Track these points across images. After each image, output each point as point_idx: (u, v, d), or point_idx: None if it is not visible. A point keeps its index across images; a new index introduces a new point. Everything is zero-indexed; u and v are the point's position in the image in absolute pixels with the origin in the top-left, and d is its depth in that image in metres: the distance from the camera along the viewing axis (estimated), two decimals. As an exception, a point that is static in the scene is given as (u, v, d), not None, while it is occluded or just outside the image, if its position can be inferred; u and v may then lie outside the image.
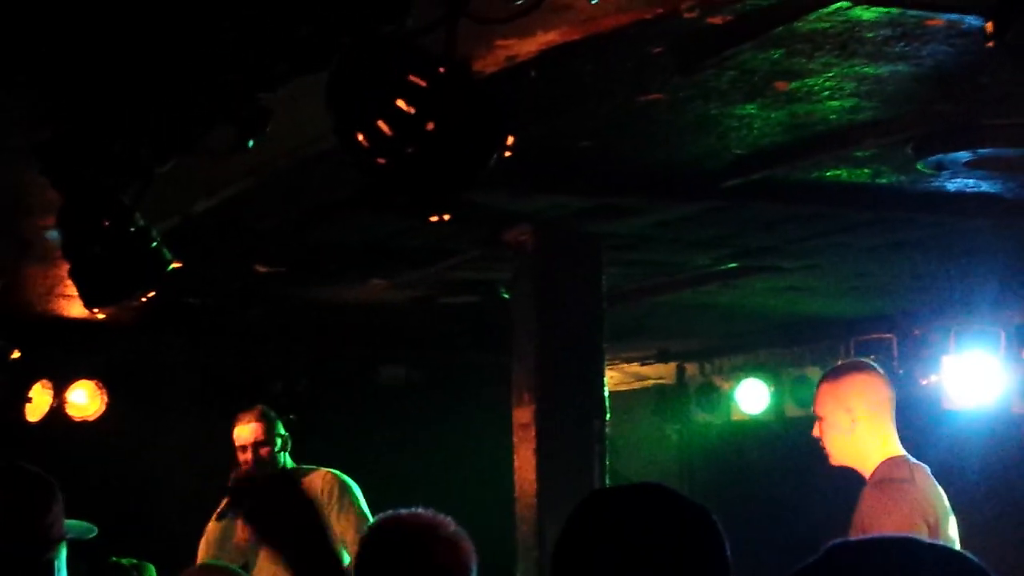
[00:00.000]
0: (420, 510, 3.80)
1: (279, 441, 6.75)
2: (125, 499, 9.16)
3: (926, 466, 5.02)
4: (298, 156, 4.95)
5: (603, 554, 2.38)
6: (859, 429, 4.96)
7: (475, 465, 9.01)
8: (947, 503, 4.98)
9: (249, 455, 6.71)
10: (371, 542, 3.72)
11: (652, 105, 4.87)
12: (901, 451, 5.02)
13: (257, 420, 6.76)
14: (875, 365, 5.28)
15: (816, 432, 5.11)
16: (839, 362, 5.49)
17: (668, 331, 10.23)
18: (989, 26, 2.75)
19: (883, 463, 4.97)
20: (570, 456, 6.61)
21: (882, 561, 1.82)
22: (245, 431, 6.74)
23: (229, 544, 6.62)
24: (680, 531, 2.40)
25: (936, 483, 4.97)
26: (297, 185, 5.47)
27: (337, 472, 6.75)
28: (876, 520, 4.80)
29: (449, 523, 3.71)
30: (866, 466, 5.00)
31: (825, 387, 5.09)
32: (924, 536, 4.27)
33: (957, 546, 4.92)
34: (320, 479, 6.67)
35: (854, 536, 4.84)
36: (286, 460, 6.79)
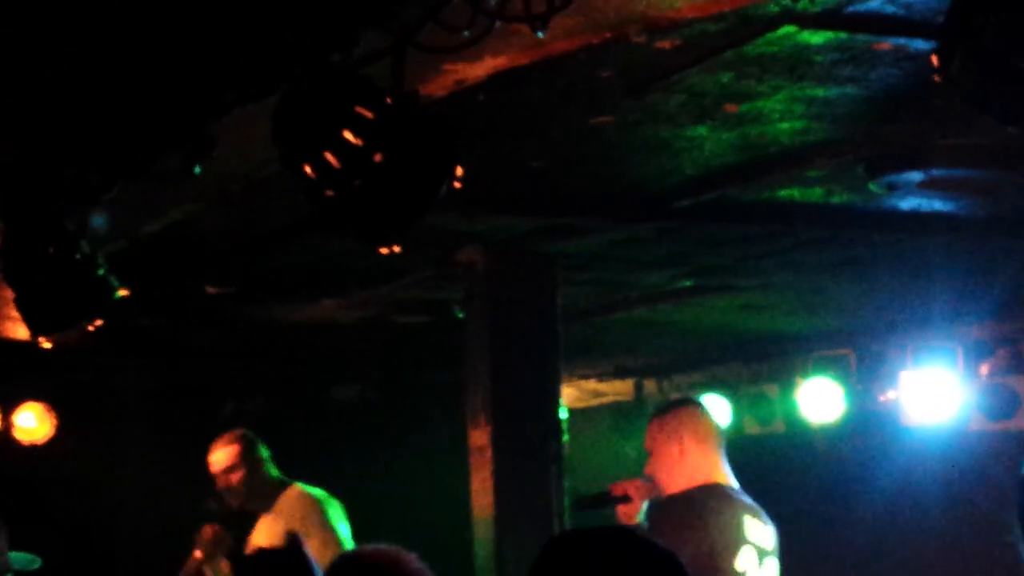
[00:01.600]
0: (383, 545, 3.77)
1: (253, 464, 6.68)
2: (76, 524, 9.08)
3: (745, 498, 5.11)
4: (246, 179, 4.91)
5: None
6: (686, 459, 5.09)
7: (431, 486, 8.97)
8: (752, 536, 5.01)
9: (220, 482, 6.68)
10: None
11: (602, 127, 4.86)
12: (720, 480, 5.12)
13: (226, 445, 6.72)
14: (699, 400, 5.57)
15: (647, 468, 5.20)
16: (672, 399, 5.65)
17: (624, 348, 10.23)
18: (934, 59, 2.74)
19: (693, 487, 5.04)
20: (527, 477, 6.58)
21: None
22: (215, 458, 6.71)
23: None
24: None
25: (746, 515, 5.02)
26: (246, 208, 5.43)
27: (320, 493, 6.68)
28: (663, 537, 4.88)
29: (413, 559, 3.68)
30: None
31: (654, 424, 5.22)
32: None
33: None
34: (302, 502, 6.63)
35: None
36: (271, 476, 6.69)
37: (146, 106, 3.70)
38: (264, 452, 6.78)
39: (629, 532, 2.47)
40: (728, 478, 5.15)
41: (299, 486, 6.72)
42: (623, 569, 2.36)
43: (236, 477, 6.67)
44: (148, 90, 3.68)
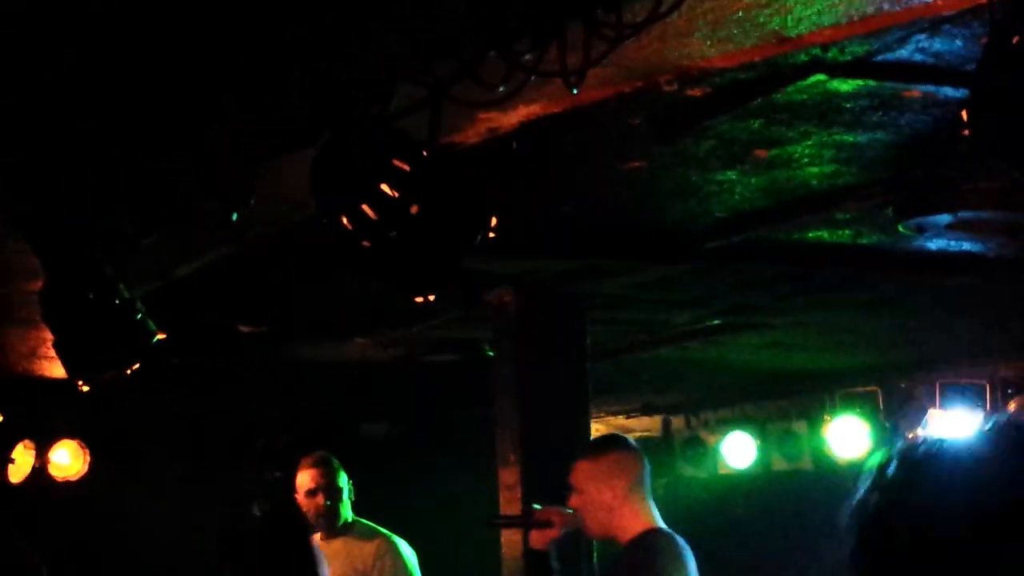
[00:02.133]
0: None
1: (341, 490, 6.64)
2: (110, 561, 9.12)
3: (677, 537, 5.14)
4: (280, 223, 4.96)
5: None
6: (620, 506, 5.09)
7: (460, 524, 8.99)
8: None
9: (306, 501, 6.62)
10: None
11: (633, 172, 4.90)
12: (655, 524, 5.16)
13: (313, 466, 6.67)
14: (630, 441, 5.51)
15: (572, 503, 5.21)
16: (600, 437, 5.63)
17: (653, 385, 10.24)
18: (964, 114, 2.78)
19: (639, 535, 5.08)
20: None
21: None
22: (303, 477, 6.66)
23: None
24: None
25: (687, 555, 5.09)
26: (279, 250, 5.48)
27: (394, 539, 6.66)
28: None
29: None
30: (625, 538, 5.13)
31: (585, 464, 5.21)
32: None
33: None
34: (375, 543, 6.61)
35: None
36: (346, 512, 6.68)
37: (188, 155, 3.77)
38: (349, 485, 6.71)
39: None
40: (660, 520, 5.18)
41: (379, 529, 6.68)
42: None
43: (322, 498, 6.61)
44: (190, 139, 3.74)
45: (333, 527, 6.64)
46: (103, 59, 3.47)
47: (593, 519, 5.15)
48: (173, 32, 3.32)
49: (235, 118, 3.54)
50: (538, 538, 5.26)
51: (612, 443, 5.45)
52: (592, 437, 6.96)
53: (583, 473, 5.19)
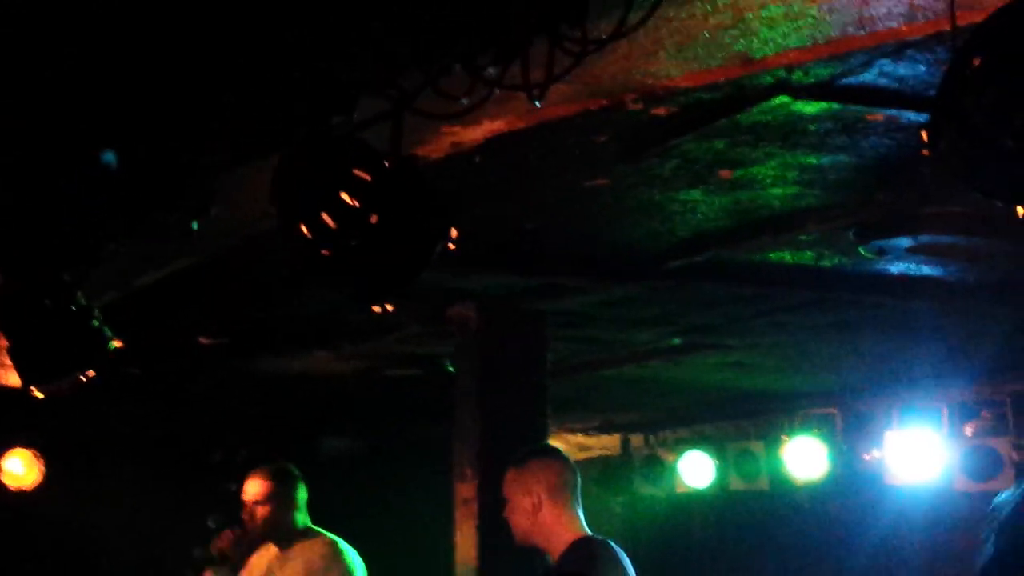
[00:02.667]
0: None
1: (283, 503, 6.59)
2: (63, 570, 9.05)
3: (611, 543, 5.15)
4: (240, 234, 4.94)
5: None
6: (542, 512, 5.12)
7: (417, 538, 8.96)
8: None
9: (246, 513, 6.59)
10: None
11: (597, 190, 4.91)
12: (585, 532, 5.16)
13: (261, 478, 6.62)
14: (559, 450, 5.53)
15: (504, 513, 5.27)
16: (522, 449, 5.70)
17: (612, 403, 10.25)
18: (923, 135, 2.79)
19: (572, 544, 5.08)
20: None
21: None
22: (248, 487, 6.62)
23: None
24: None
25: (625, 560, 5.11)
26: (239, 262, 5.46)
27: (342, 546, 6.62)
28: None
29: None
30: (553, 547, 5.13)
31: (510, 473, 5.26)
32: None
33: None
34: (319, 546, 6.57)
35: None
36: (299, 521, 6.62)
37: (147, 164, 3.74)
38: (302, 495, 6.67)
39: None
40: (588, 529, 5.18)
41: (327, 535, 6.65)
42: None
43: (262, 511, 6.57)
44: (147, 148, 3.72)
45: (282, 536, 6.60)
46: (55, 63, 3.44)
47: (516, 526, 5.18)
48: (135, 38, 3.31)
49: (195, 128, 3.52)
50: None
51: (536, 452, 5.45)
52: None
53: (508, 481, 5.24)
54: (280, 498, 6.55)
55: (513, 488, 5.23)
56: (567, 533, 5.12)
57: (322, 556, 6.47)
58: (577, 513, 5.21)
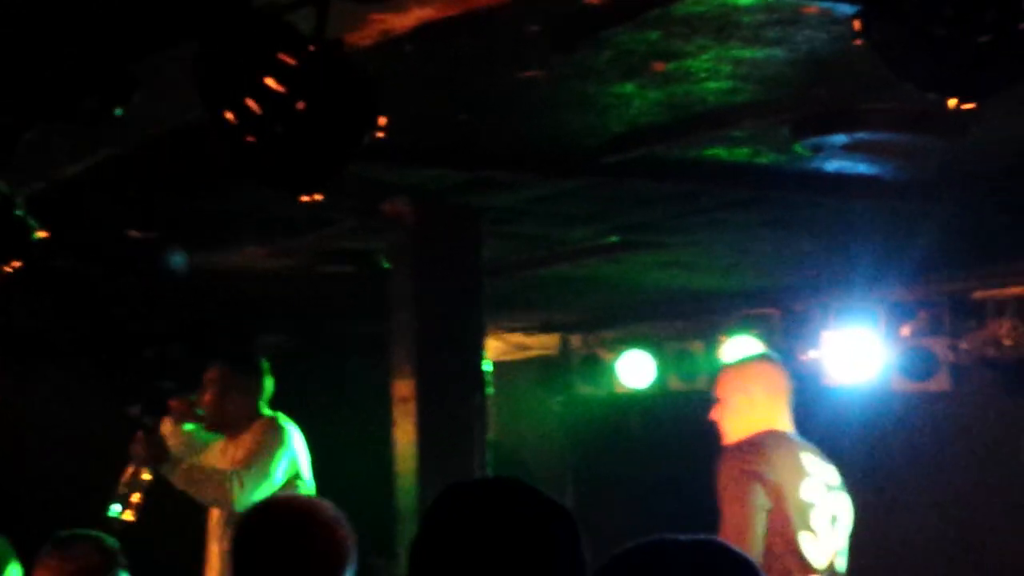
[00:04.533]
0: (297, 494, 3.76)
1: (232, 391, 6.56)
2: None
3: (804, 441, 5.51)
4: (168, 124, 4.86)
5: (454, 550, 2.38)
6: (755, 412, 5.42)
7: (354, 437, 8.97)
8: (812, 470, 5.42)
9: (200, 399, 6.60)
10: (247, 527, 3.67)
11: (531, 82, 4.85)
12: (779, 428, 5.45)
13: (213, 368, 6.62)
14: (775, 356, 5.90)
15: (714, 414, 5.55)
16: (741, 348, 5.96)
17: (551, 302, 10.25)
18: (856, 23, 2.76)
19: (753, 433, 5.28)
20: (451, 429, 6.60)
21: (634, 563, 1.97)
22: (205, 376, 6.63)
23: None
24: (533, 529, 2.40)
25: (803, 452, 5.44)
26: (168, 153, 5.37)
27: (276, 417, 6.59)
28: (718, 485, 5.35)
29: (327, 507, 3.68)
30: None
31: (728, 373, 5.62)
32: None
33: (840, 519, 5.25)
34: (259, 424, 6.56)
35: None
36: (249, 409, 6.60)
37: (62, 45, 3.64)
38: (266, 384, 6.64)
39: (517, 483, 2.50)
40: (788, 426, 5.49)
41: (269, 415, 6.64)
42: (508, 521, 2.41)
43: (207, 398, 6.58)
44: (64, 29, 3.62)
45: (224, 424, 6.60)
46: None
47: (728, 426, 5.53)
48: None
49: (109, 9, 3.43)
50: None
51: (753, 354, 6.14)
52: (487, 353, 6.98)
53: (723, 382, 5.64)
54: (228, 385, 6.57)
55: (727, 387, 5.52)
56: (764, 427, 5.43)
57: (262, 431, 6.50)
58: (784, 412, 5.49)
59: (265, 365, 6.71)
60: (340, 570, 3.55)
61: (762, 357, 5.91)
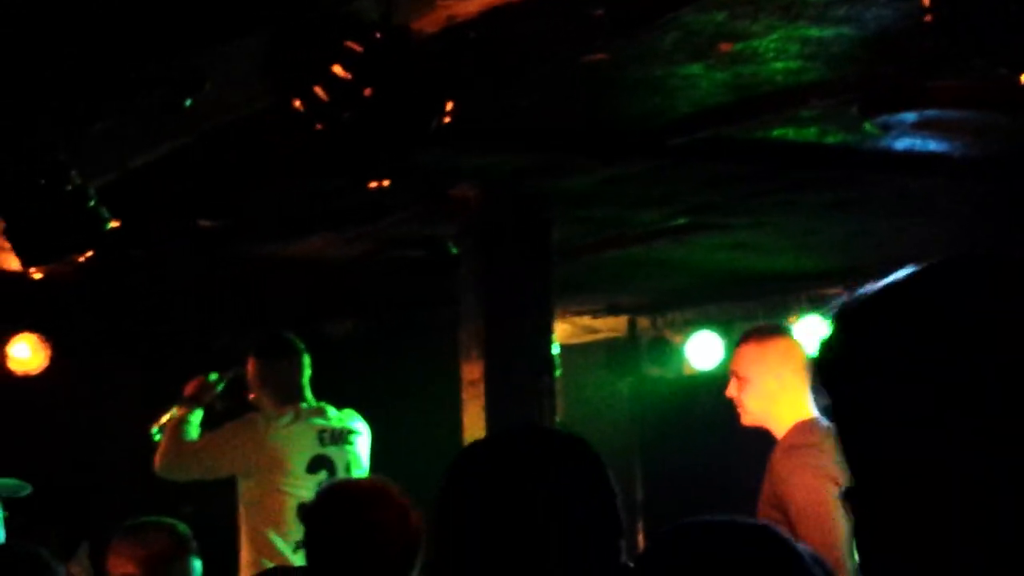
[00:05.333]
0: (370, 476, 3.79)
1: (263, 382, 6.63)
2: (67, 455, 9.11)
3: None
4: (237, 112, 4.88)
5: (473, 503, 2.41)
6: (782, 392, 5.10)
7: (423, 420, 9.00)
8: None
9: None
10: (319, 510, 3.70)
11: (595, 65, 4.84)
12: (813, 414, 5.13)
13: (248, 360, 6.71)
14: (792, 330, 5.65)
15: (732, 391, 5.24)
16: (759, 324, 5.65)
17: (618, 285, 10.22)
18: (925, 1, 2.74)
19: (794, 427, 5.05)
20: (519, 412, 6.60)
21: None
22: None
23: None
24: (556, 465, 2.41)
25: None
26: (237, 141, 5.40)
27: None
28: (785, 486, 4.96)
29: (397, 490, 3.71)
30: (779, 428, 5.14)
31: (751, 347, 5.19)
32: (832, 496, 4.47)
33: None
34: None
35: (763, 501, 4.99)
36: (302, 398, 6.66)
37: (134, 37, 3.69)
38: (303, 364, 6.69)
39: (534, 427, 2.55)
40: (815, 410, 5.16)
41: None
42: (530, 465, 2.42)
43: (250, 394, 6.68)
44: (137, 21, 3.66)
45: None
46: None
47: (757, 409, 5.19)
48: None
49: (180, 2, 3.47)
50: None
51: (774, 329, 5.55)
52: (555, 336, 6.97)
53: (747, 359, 5.23)
54: (257, 372, 6.65)
55: (753, 366, 5.17)
56: (793, 415, 5.10)
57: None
58: (808, 395, 5.14)
59: (300, 346, 6.74)
60: (412, 552, 3.58)
61: (784, 332, 5.51)
